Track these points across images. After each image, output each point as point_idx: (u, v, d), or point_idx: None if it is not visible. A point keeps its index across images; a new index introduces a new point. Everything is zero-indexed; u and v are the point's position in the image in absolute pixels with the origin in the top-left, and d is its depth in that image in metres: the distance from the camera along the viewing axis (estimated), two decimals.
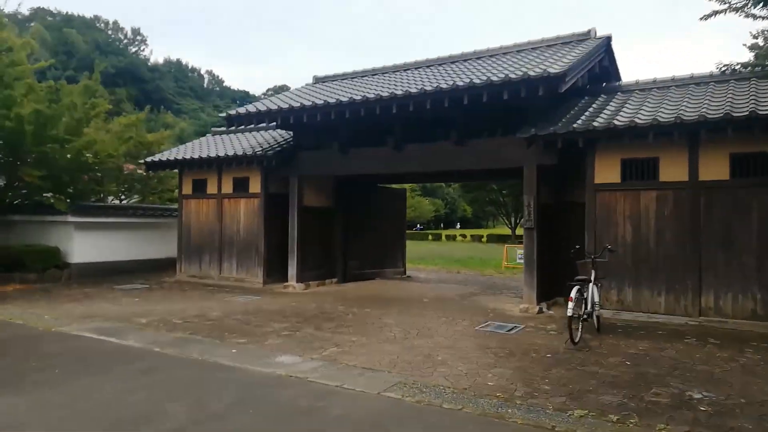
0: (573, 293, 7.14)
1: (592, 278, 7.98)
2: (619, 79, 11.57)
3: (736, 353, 6.79)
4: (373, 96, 10.32)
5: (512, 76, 8.99)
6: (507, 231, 51.55)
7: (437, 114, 10.40)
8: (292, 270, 12.79)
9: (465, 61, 12.60)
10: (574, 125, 8.87)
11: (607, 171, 9.18)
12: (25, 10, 70.28)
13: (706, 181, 8.40)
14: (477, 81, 9.31)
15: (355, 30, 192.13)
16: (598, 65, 10.71)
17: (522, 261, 19.71)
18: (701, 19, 7.49)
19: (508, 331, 8.24)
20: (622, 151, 9.02)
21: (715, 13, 7.48)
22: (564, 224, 10.74)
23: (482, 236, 50.72)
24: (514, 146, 9.92)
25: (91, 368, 6.02)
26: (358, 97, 10.50)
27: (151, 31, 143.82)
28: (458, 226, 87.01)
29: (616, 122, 8.49)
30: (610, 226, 9.15)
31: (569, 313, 7.03)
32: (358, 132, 12.05)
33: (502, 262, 19.51)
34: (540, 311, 9.70)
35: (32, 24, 56.52)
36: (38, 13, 77.12)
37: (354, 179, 14.10)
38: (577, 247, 8.40)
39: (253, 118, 12.20)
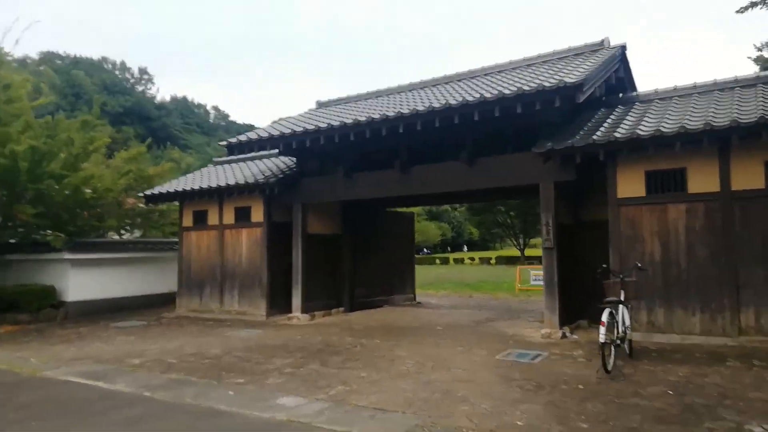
0: (605, 317, 6.49)
1: (622, 299, 7.35)
2: (635, 89, 11.06)
3: None
4: (378, 116, 9.85)
5: (526, 88, 8.49)
6: (515, 252, 50.77)
7: (446, 133, 9.91)
8: (296, 301, 12.17)
9: (473, 78, 12.17)
10: (594, 137, 8.33)
11: (630, 184, 8.59)
12: (34, 55, 71.34)
13: (740, 190, 7.79)
14: (488, 95, 8.81)
15: (357, 53, 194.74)
16: (614, 75, 10.22)
17: (537, 283, 19.07)
18: (737, 12, 7.02)
19: (532, 359, 7.55)
20: (646, 162, 8.44)
21: (753, 4, 7.02)
22: (584, 243, 10.13)
23: (491, 258, 49.80)
24: (529, 163, 9.39)
25: (72, 419, 5.39)
26: (363, 119, 10.03)
27: (157, 66, 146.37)
28: (465, 249, 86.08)
29: (639, 132, 7.94)
30: (636, 242, 8.52)
31: (602, 339, 6.37)
32: (363, 155, 11.58)
33: (515, 284, 18.77)
34: (563, 336, 9.00)
35: (42, 68, 57.33)
36: (47, 57, 78.27)
37: (360, 204, 13.59)
38: (604, 266, 7.76)
39: (254, 145, 11.75)
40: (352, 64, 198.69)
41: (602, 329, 6.38)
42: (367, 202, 13.58)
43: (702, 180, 8.03)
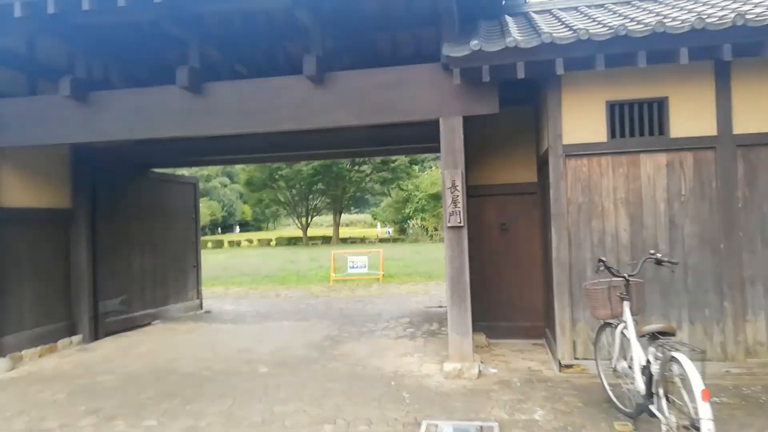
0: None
1: (627, 314, 4.16)
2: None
3: None
4: None
5: None
6: (296, 233, 47.49)
7: (275, 27, 5.51)
8: None
9: None
10: (536, 38, 4.89)
11: (583, 123, 5.43)
12: None
13: (746, 134, 5.19)
14: None
15: None
16: None
17: (356, 271, 15.70)
18: None
19: None
20: (607, 87, 5.37)
21: None
22: (507, 218, 6.92)
23: (271, 240, 45.68)
24: (420, 85, 5.68)
25: None
26: None
27: None
28: (237, 230, 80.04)
29: (594, 33, 4.76)
30: (592, 216, 5.42)
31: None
32: (114, 57, 6.40)
33: (329, 273, 15.06)
34: (479, 372, 5.54)
35: None
36: None
37: (109, 156, 8.23)
38: (602, 260, 4.39)
39: None
40: None
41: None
42: (122, 154, 8.33)
43: (690, 117, 5.25)
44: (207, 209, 64.65)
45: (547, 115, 5.58)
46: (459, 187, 5.53)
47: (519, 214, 7.03)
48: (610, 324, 4.47)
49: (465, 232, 5.60)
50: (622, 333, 4.25)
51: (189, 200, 10.40)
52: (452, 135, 5.62)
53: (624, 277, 4.22)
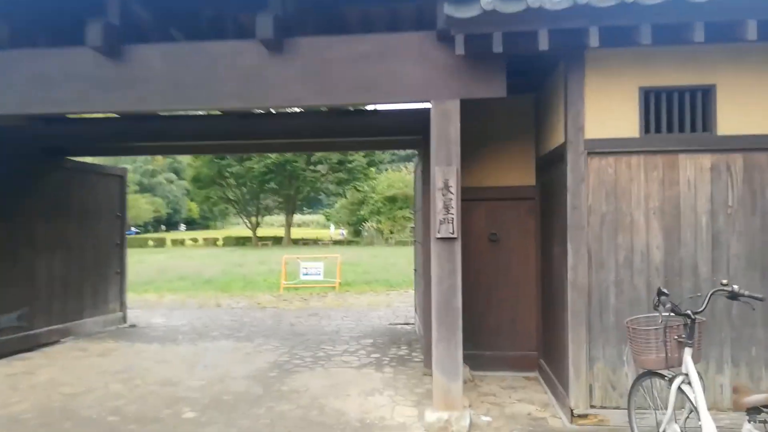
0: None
1: (689, 365, 3.07)
2: None
3: None
4: None
5: None
6: (245, 232, 45.34)
7: None
8: None
9: None
10: (557, 2, 3.77)
11: (611, 114, 4.33)
12: None
13: None
14: None
15: None
16: None
17: (309, 278, 14.27)
18: None
19: None
20: (642, 69, 4.29)
21: None
22: (497, 227, 5.77)
23: (217, 239, 43.40)
24: (407, 58, 4.47)
25: None
26: None
27: None
28: (183, 228, 76.57)
29: None
30: (618, 228, 4.33)
31: None
32: (5, 11, 4.86)
33: (279, 280, 13.59)
34: (470, 423, 4.36)
35: None
36: None
37: (12, 142, 6.62)
38: (663, 291, 3.26)
39: None
40: None
41: None
42: (27, 137, 6.74)
43: (743, 111, 4.24)
44: (150, 205, 61.41)
45: (564, 103, 4.45)
46: (453, 189, 4.33)
47: (512, 223, 5.91)
48: (658, 374, 3.37)
49: (458, 245, 4.41)
50: (680, 389, 3.15)
51: (114, 195, 8.78)
52: (446, 123, 4.41)
53: (688, 315, 3.12)
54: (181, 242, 43.91)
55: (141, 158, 74.56)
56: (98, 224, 8.37)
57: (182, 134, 6.96)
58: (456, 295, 4.37)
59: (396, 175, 44.46)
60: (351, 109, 6.56)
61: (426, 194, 5.82)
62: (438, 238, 4.39)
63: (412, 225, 42.27)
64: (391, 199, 40.63)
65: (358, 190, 41.76)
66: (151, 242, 42.47)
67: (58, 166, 7.74)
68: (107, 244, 8.59)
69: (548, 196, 5.27)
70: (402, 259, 22.08)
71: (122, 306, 8.89)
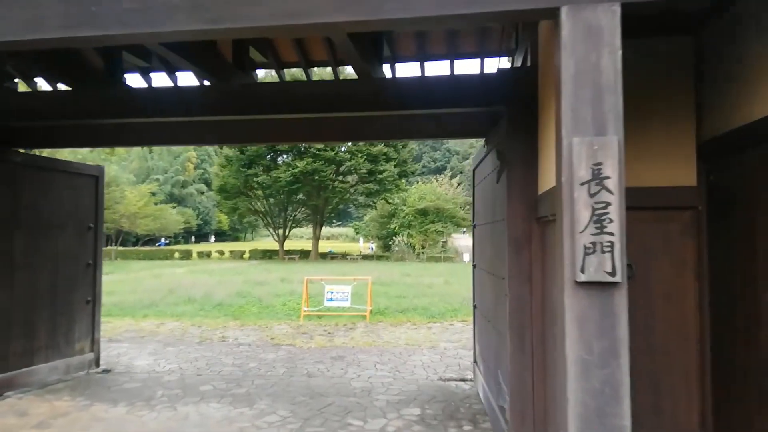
0: None
1: None
2: None
3: None
4: None
5: None
6: (273, 245, 43.66)
7: None
8: None
9: None
10: None
11: None
12: None
13: None
14: None
15: None
16: None
17: (334, 304, 12.01)
18: None
19: None
20: None
21: None
22: (629, 255, 3.55)
23: (244, 252, 41.92)
24: None
25: None
26: None
27: None
28: (213, 239, 75.77)
29: None
30: None
31: None
32: None
33: (300, 305, 11.49)
34: None
35: None
36: None
37: None
38: None
39: None
40: None
41: None
42: None
43: None
44: (181, 216, 60.54)
45: None
46: (613, 183, 2.15)
47: (654, 250, 3.67)
48: None
49: (623, 296, 2.21)
50: None
51: (86, 200, 6.83)
52: (595, 49, 2.25)
53: None
54: (207, 255, 42.55)
55: (172, 169, 74.41)
56: (61, 238, 6.44)
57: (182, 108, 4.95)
58: (620, 399, 2.17)
59: (427, 187, 42.41)
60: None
61: (497, 198, 3.68)
62: (579, 282, 2.20)
63: (444, 240, 40.26)
64: (423, 212, 38.48)
65: (389, 202, 39.72)
66: (177, 254, 41.20)
67: (12, 161, 5.86)
68: (74, 264, 6.65)
69: (732, 205, 3.05)
70: (438, 278, 19.80)
71: (93, 344, 6.91)
